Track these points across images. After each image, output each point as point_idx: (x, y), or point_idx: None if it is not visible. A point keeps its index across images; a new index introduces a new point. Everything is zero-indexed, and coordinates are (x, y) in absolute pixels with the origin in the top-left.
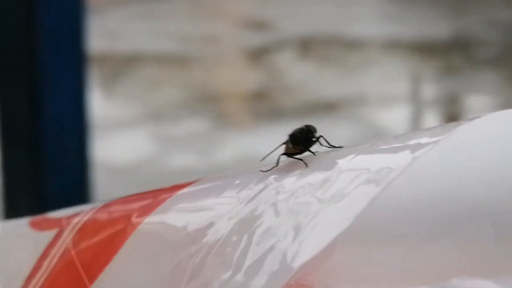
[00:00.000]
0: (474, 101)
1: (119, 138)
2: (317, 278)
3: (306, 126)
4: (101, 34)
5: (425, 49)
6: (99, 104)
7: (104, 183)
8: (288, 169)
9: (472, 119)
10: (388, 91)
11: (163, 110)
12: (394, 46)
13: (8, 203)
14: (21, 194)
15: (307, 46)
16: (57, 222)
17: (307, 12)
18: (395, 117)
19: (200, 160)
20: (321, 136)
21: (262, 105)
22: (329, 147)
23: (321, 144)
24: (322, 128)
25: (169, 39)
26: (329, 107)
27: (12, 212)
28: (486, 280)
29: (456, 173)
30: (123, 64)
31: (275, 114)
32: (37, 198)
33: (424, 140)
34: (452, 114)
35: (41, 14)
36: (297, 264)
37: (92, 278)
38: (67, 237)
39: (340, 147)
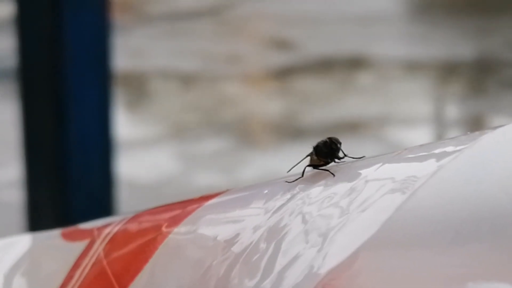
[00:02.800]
0: (497, 122)
1: (143, 156)
2: (343, 283)
3: (329, 138)
4: (126, 52)
5: (448, 70)
6: (124, 122)
7: (128, 201)
8: (313, 180)
9: (496, 128)
10: (412, 111)
11: (187, 128)
12: (418, 66)
13: (32, 221)
14: (45, 212)
15: (330, 65)
16: (89, 232)
17: (330, 31)
18: (419, 137)
19: (223, 179)
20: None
21: (285, 124)
22: (352, 158)
23: (345, 155)
24: (345, 148)
25: (193, 57)
26: (352, 127)
27: (36, 230)
28: (504, 283)
29: (479, 181)
30: (148, 82)
31: (298, 133)
32: (61, 216)
33: (449, 148)
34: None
35: (67, 33)
36: (323, 270)
37: (123, 287)
38: (99, 247)
39: (361, 157)
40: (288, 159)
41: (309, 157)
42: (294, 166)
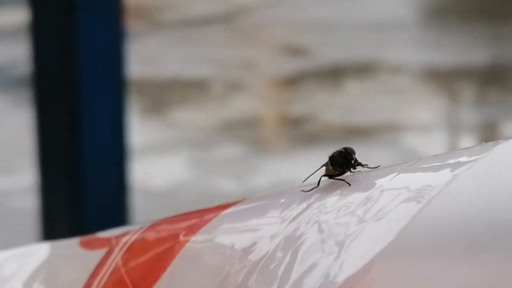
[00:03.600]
0: (510, 128)
1: (157, 162)
2: None
3: (345, 148)
4: (140, 59)
5: (462, 76)
6: (137, 128)
7: (142, 208)
8: (329, 189)
9: (510, 138)
10: (425, 117)
11: (200, 135)
12: (431, 72)
13: (47, 227)
14: (59, 219)
15: (344, 72)
16: (107, 241)
17: (344, 38)
18: (432, 143)
19: (237, 185)
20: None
21: (298, 130)
22: (367, 168)
23: (360, 164)
24: (358, 154)
25: (207, 64)
26: (365, 133)
27: (51, 237)
28: None
29: (494, 191)
30: (161, 89)
31: (311, 139)
32: (75, 222)
33: (463, 159)
34: (489, 141)
35: (81, 40)
36: (340, 279)
37: None
38: (117, 255)
39: (376, 167)
40: (301, 166)
41: (324, 167)
42: (310, 176)
